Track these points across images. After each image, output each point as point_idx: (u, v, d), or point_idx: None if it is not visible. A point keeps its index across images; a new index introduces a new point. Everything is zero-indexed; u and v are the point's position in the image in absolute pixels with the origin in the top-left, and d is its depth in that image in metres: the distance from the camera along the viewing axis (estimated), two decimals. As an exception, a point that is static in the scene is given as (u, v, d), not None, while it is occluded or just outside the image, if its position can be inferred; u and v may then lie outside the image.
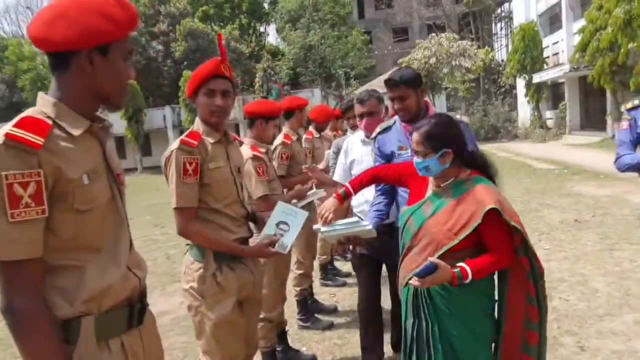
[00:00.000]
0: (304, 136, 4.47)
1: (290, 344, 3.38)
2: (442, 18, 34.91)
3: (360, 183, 2.26)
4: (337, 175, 3.14)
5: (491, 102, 27.00)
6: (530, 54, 22.04)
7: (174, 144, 2.13)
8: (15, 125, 1.16)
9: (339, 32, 33.58)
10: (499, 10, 38.95)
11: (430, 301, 1.90)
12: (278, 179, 3.22)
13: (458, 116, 2.43)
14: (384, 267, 2.91)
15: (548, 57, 23.00)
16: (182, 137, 2.14)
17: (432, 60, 22.60)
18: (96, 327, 1.25)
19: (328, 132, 4.90)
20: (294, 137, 3.88)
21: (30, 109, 1.25)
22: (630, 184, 8.44)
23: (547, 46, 23.21)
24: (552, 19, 23.89)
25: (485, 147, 20.12)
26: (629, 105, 2.67)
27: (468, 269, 1.77)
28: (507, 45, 36.40)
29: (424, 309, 1.92)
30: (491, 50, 32.56)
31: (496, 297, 1.97)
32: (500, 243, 1.83)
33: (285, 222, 2.18)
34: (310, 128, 4.73)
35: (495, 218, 1.77)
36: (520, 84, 24.27)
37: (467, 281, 1.77)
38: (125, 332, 1.34)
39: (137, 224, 9.40)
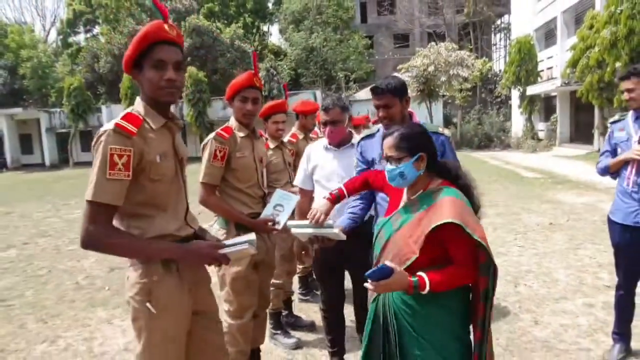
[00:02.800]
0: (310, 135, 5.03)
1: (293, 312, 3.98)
2: (443, 27, 35.65)
3: (353, 186, 2.33)
4: (298, 180, 3.20)
5: (486, 111, 27.74)
6: (525, 66, 22.78)
7: (212, 135, 2.75)
8: (122, 118, 1.76)
9: (341, 35, 34.21)
10: (498, 22, 39.78)
11: (395, 319, 1.83)
12: (286, 171, 3.80)
13: (440, 129, 2.56)
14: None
15: (542, 70, 23.76)
16: (219, 130, 2.76)
17: (431, 68, 23.28)
18: None
19: None
20: (300, 136, 4.45)
21: (131, 107, 1.85)
22: (604, 194, 9.12)
23: (542, 60, 23.97)
24: (548, 34, 24.66)
25: (478, 155, 20.82)
26: (611, 119, 3.19)
27: (426, 278, 1.70)
28: (505, 56, 37.22)
29: (392, 327, 1.84)
30: (489, 61, 33.30)
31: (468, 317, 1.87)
32: (465, 258, 1.75)
33: (281, 204, 2.72)
34: (315, 129, 5.30)
35: (459, 232, 1.69)
36: (515, 95, 25.00)
37: (425, 292, 1.70)
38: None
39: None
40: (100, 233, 1.65)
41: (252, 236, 1.89)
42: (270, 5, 41.66)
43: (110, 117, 28.38)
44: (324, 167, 2.98)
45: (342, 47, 33.32)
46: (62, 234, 8.28)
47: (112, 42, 30.38)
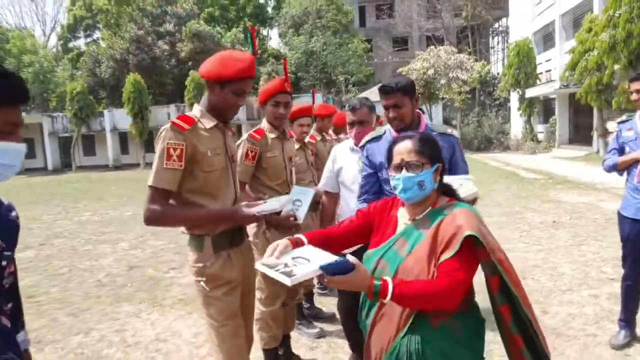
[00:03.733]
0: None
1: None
2: (441, 30, 35.98)
3: (314, 237, 1.80)
4: (323, 183, 3.16)
5: (486, 113, 28.03)
6: (524, 69, 23.07)
7: (245, 136, 2.97)
8: (177, 118, 2.08)
9: (340, 39, 34.53)
10: (496, 25, 40.15)
11: None
12: (309, 170, 4.01)
13: (449, 130, 2.73)
14: None
15: (541, 73, 24.05)
16: (251, 132, 2.99)
17: (430, 72, 23.58)
18: (212, 243, 2.13)
19: (342, 136, 5.68)
20: (318, 138, 4.67)
21: (188, 112, 2.15)
22: (604, 194, 9.36)
23: (541, 63, 24.27)
24: (546, 38, 24.98)
25: (478, 157, 21.08)
26: (619, 119, 3.39)
27: (390, 284, 1.43)
28: (503, 59, 37.56)
29: None
30: (487, 64, 33.64)
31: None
32: (454, 271, 1.46)
33: (299, 199, 2.83)
34: (330, 131, 5.52)
35: (468, 247, 1.48)
36: (514, 97, 25.29)
37: (386, 300, 1.45)
38: (231, 249, 2.18)
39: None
40: (159, 211, 1.97)
41: (275, 201, 2.21)
42: (269, 9, 42.00)
43: (113, 121, 28.64)
44: (349, 169, 2.95)
45: (341, 50, 33.64)
46: (76, 235, 8.46)
47: (114, 47, 30.58)
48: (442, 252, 1.50)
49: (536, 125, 25.09)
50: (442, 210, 1.59)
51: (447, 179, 1.73)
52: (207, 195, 2.11)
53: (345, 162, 3.01)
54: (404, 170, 1.60)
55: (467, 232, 1.47)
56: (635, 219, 3.14)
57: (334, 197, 3.12)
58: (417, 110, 2.49)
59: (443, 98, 26.06)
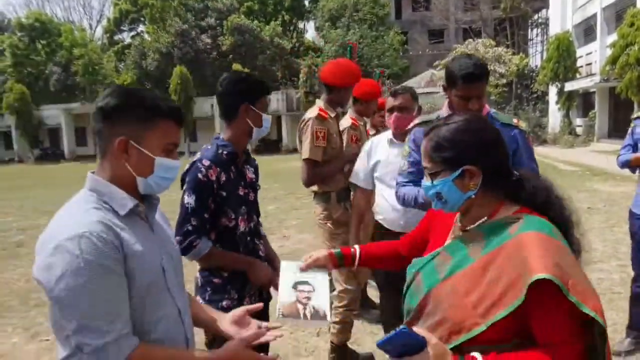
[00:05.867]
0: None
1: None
2: (479, 22, 35.83)
3: (369, 253, 1.66)
4: (356, 178, 2.93)
5: (523, 107, 27.98)
6: (563, 62, 23.01)
7: (347, 124, 3.60)
8: (319, 110, 2.91)
9: (376, 32, 34.94)
10: (535, 17, 39.58)
11: None
12: None
13: (515, 120, 2.27)
14: None
15: (581, 66, 23.93)
16: (351, 121, 3.83)
17: (468, 65, 23.73)
18: (336, 196, 3.01)
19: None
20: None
21: (316, 106, 3.00)
22: (641, 184, 9.70)
23: (581, 56, 24.14)
24: (587, 31, 24.80)
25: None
26: (635, 115, 3.33)
27: None
28: (542, 52, 37.12)
29: None
30: (525, 57, 33.37)
31: None
32: (560, 336, 1.08)
33: None
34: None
35: (551, 291, 1.07)
36: (553, 91, 25.21)
37: None
38: (347, 201, 3.06)
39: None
40: (313, 174, 2.91)
41: None
42: (307, 3, 42.70)
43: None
44: (389, 163, 2.73)
45: (377, 43, 34.05)
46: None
47: (160, 40, 31.97)
48: (498, 300, 1.11)
49: (575, 119, 24.98)
50: (503, 227, 1.20)
51: None
52: None
53: (383, 156, 2.79)
54: (425, 177, 1.33)
55: (537, 276, 1.07)
56: None
57: (367, 194, 2.91)
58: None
59: (479, 91, 26.16)
